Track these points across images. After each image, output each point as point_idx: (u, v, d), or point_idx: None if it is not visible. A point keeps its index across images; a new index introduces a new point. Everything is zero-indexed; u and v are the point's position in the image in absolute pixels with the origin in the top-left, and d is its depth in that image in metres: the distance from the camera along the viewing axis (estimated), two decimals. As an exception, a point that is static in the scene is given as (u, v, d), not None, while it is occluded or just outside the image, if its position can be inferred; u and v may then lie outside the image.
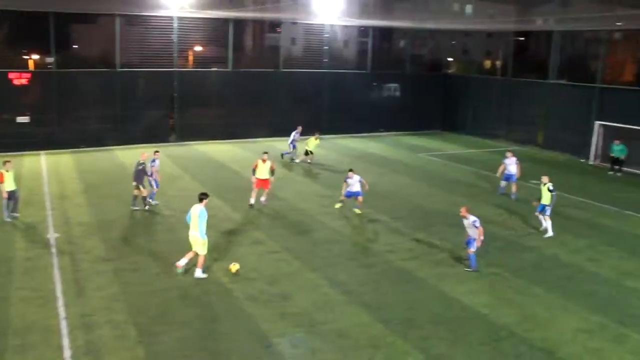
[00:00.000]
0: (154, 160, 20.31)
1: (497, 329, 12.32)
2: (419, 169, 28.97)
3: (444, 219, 20.07)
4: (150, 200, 20.17)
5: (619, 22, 34.82)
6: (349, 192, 20.06)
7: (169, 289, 13.59)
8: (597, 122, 32.33)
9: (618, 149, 29.24)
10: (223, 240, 17.07)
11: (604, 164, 31.59)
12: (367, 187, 20.17)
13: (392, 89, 41.52)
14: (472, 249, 15.32)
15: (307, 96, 36.82)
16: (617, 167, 29.42)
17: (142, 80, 33.12)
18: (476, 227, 15.29)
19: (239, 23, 36.55)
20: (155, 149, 21.68)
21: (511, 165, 23.25)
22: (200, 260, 14.27)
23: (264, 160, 20.63)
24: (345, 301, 13.33)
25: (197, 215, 14.03)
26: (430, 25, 43.13)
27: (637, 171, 29.48)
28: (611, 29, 36.06)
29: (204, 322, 12.11)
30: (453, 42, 50.62)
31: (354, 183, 19.85)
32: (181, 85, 32.94)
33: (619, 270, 16.06)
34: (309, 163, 29.04)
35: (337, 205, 20.61)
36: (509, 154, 23.66)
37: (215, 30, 34.57)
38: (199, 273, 14.26)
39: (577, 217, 20.62)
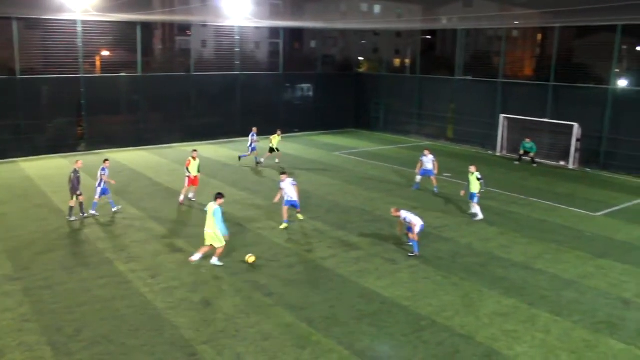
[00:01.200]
0: (103, 169, 19.84)
1: (419, 319, 12.75)
2: (335, 167, 29.39)
3: (362, 216, 20.52)
4: (92, 212, 19.83)
5: (516, 21, 36.76)
6: (287, 201, 18.90)
7: (86, 304, 13.14)
8: (502, 115, 33.98)
9: (529, 146, 31.34)
10: (141, 249, 16.69)
11: (510, 155, 33.30)
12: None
13: (305, 89, 41.86)
14: (413, 234, 16.40)
15: (220, 99, 36.51)
16: (527, 158, 31.32)
17: (47, 88, 31.54)
18: (407, 222, 16.38)
19: (147, 26, 35.74)
20: (105, 158, 20.95)
21: (428, 163, 24.07)
22: (218, 251, 15.53)
23: (194, 158, 21.53)
24: (268, 304, 13.37)
25: (212, 213, 15.20)
26: (340, 25, 43.85)
27: (540, 161, 31.31)
28: (509, 27, 37.93)
29: (124, 335, 11.80)
30: (363, 42, 51.69)
31: (287, 187, 18.84)
32: (89, 91, 31.70)
33: (528, 254, 17.02)
34: (277, 162, 29.44)
35: (283, 226, 18.98)
36: (426, 152, 24.42)
37: (123, 34, 33.56)
38: (215, 261, 15.51)
39: (487, 206, 21.58)
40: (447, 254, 16.75)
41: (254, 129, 29.55)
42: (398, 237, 18.21)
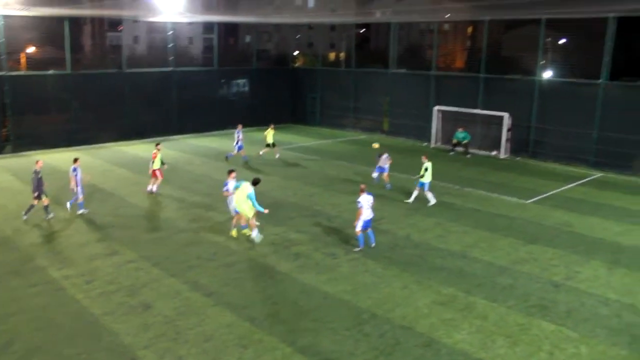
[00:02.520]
0: (75, 169, 19.52)
1: (360, 312, 12.91)
2: (273, 163, 29.29)
3: (302, 211, 20.57)
4: (82, 211, 19.85)
5: (447, 15, 37.57)
6: (235, 210, 17.83)
7: (17, 314, 12.64)
8: (436, 108, 34.72)
9: (462, 136, 32.12)
10: (76, 254, 16.18)
11: (445, 146, 34.10)
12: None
13: (241, 84, 41.52)
14: (357, 229, 16.52)
15: (155, 96, 35.69)
16: (460, 149, 32.06)
17: (-34, 87, 30.04)
18: (358, 207, 16.44)
19: (75, 22, 34.47)
20: (75, 157, 20.35)
21: (382, 161, 24.22)
22: (252, 224, 16.89)
23: (158, 150, 22.41)
24: (209, 304, 13.24)
25: (246, 195, 16.61)
26: (274, 19, 43.67)
27: (473, 151, 32.21)
28: (441, 21, 38.73)
29: (60, 345, 11.43)
30: (298, 36, 51.64)
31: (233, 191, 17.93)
32: (13, 90, 30.30)
33: (464, 243, 17.50)
34: (277, 158, 30.17)
35: (233, 233, 18.08)
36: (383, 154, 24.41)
37: (50, 30, 32.31)
38: (255, 234, 16.92)
39: (424, 197, 22.01)
40: (386, 246, 17.00)
41: (240, 126, 29.37)
42: (338, 230, 18.39)
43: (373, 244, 16.83)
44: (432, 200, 21.68)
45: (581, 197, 23.54)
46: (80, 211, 19.95)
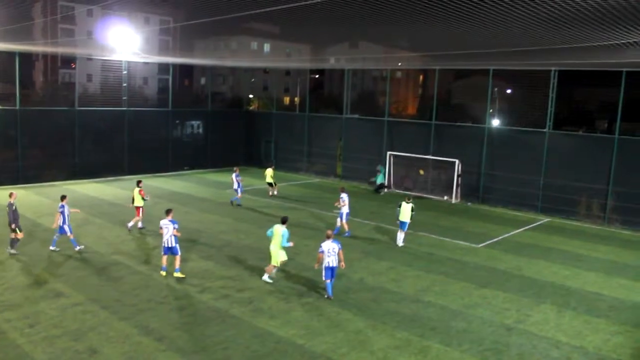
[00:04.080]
0: (62, 206, 19.54)
1: (314, 357, 12.70)
2: (226, 205, 29.03)
3: (254, 254, 20.33)
4: (77, 248, 19.85)
5: (399, 63, 38.60)
6: (165, 248, 17.66)
7: (-47, 360, 11.95)
8: (389, 153, 35.27)
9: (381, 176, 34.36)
10: (18, 296, 15.49)
11: (397, 191, 34.56)
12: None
13: (195, 126, 41.35)
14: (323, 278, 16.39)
15: (107, 135, 35.17)
16: (384, 190, 33.78)
17: None
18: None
19: (27, 57, 33.85)
20: (62, 194, 20.40)
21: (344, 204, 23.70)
22: (269, 268, 17.38)
23: (139, 187, 22.89)
24: (160, 348, 12.81)
25: (281, 234, 16.99)
26: (230, 62, 43.96)
27: (426, 195, 32.74)
28: (394, 69, 39.69)
29: (-1, 392, 10.82)
30: (253, 80, 52.11)
31: (166, 226, 17.66)
32: (-41, 126, 29.42)
33: (417, 287, 17.57)
34: (275, 195, 31.52)
35: (180, 275, 17.73)
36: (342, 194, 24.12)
37: (0, 65, 31.61)
38: (265, 277, 17.40)
39: (379, 241, 22.12)
40: (339, 290, 16.89)
41: (237, 169, 29.89)
42: (292, 274, 18.23)
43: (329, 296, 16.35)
44: (400, 243, 22.21)
45: (530, 241, 24.09)
46: (77, 248, 19.86)
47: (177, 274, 17.66)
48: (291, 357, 12.64)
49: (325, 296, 16.29)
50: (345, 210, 23.52)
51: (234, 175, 29.16)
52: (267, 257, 18.58)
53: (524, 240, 24.36)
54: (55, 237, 19.94)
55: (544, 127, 29.85)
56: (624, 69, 26.76)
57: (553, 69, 29.21)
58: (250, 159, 43.48)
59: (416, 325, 14.70)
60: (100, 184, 33.17)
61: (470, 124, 34.32)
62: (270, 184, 31.92)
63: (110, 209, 26.83)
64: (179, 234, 17.78)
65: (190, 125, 41.24)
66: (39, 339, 13.01)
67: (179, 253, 17.85)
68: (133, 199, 23.06)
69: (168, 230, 17.52)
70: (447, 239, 23.60)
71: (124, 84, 36.13)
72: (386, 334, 14.09)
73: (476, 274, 19.26)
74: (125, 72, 36.05)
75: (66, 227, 19.63)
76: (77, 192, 30.42)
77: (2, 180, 30.72)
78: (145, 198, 23.06)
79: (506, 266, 20.30)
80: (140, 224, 23.16)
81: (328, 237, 16.38)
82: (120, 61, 35.83)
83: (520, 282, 18.53)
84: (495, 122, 34.55)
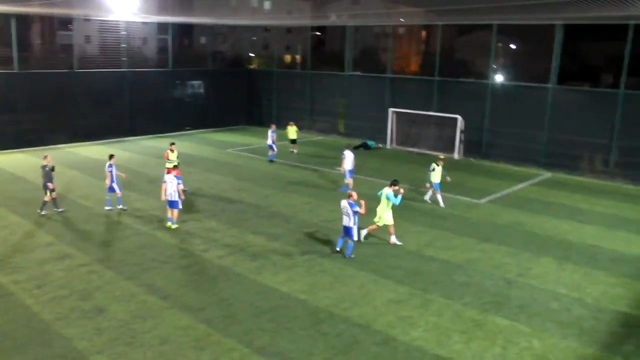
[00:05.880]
0: (110, 165, 20.05)
1: (317, 312, 12.91)
2: (229, 164, 29.11)
3: (257, 212, 20.49)
4: (120, 206, 20.38)
5: (401, 19, 38.02)
6: (169, 201, 18.40)
7: (-37, 320, 12.19)
8: (391, 109, 35.08)
9: (372, 143, 34.65)
10: (26, 258, 15.70)
11: (400, 147, 34.55)
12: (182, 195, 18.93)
13: (196, 86, 41.10)
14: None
15: (107, 97, 34.93)
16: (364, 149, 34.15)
17: None
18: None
19: (23, 19, 33.43)
20: (110, 154, 20.93)
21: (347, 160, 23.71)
22: (392, 230, 17.45)
23: (172, 150, 23.10)
24: (165, 306, 13.03)
25: (385, 196, 17.12)
26: (230, 21, 43.37)
27: (428, 152, 32.70)
28: (396, 25, 39.12)
29: (8, 353, 11.03)
30: (254, 38, 51.49)
31: (171, 181, 18.28)
32: (-44, 89, 29.23)
33: (420, 243, 17.73)
34: (295, 152, 31.80)
35: (173, 226, 18.54)
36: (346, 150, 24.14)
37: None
38: (394, 239, 17.49)
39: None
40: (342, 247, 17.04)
41: (273, 126, 30.42)
42: (294, 231, 18.38)
43: (347, 255, 16.39)
44: (442, 204, 22.01)
45: (532, 196, 24.15)
46: (120, 206, 20.38)
47: (170, 224, 18.45)
48: (294, 312, 12.85)
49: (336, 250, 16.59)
50: (347, 166, 23.52)
51: (269, 131, 29.79)
52: (250, 216, 18.90)
53: (526, 195, 24.42)
54: (107, 197, 20.43)
55: (548, 83, 29.55)
56: (631, 22, 26.33)
57: (558, 22, 28.73)
58: (252, 118, 43.35)
59: (418, 279, 14.88)
60: (102, 145, 33.17)
61: (473, 80, 33.98)
62: (293, 141, 32.23)
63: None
64: (181, 189, 18.58)
65: (191, 85, 40.98)
66: (47, 300, 13.24)
67: (180, 207, 18.50)
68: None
69: (172, 184, 18.14)
70: (449, 195, 23.62)
71: (123, 45, 35.79)
72: (388, 288, 14.28)
73: (478, 229, 19.39)
74: (123, 32, 35.66)
75: (115, 186, 20.10)
76: (78, 154, 30.51)
77: (4, 144, 30.75)
78: (170, 159, 22.92)
79: (508, 221, 20.41)
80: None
81: (349, 197, 16.34)
82: (118, 22, 35.38)
83: (522, 237, 18.66)
84: (499, 78, 34.20)
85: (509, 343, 11.72)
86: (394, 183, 17.54)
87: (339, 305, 13.24)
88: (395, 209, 21.41)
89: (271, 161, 29.73)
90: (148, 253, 16.33)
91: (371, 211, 17.48)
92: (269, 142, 29.59)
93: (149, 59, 41.81)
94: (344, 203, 16.21)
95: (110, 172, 19.98)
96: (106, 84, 34.94)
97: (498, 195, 24.23)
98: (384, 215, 17.33)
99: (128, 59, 36.04)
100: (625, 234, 19.26)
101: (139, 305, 13.05)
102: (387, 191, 17.22)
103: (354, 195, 16.38)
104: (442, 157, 22.92)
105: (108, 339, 11.52)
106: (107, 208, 20.35)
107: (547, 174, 28.76)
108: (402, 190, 17.53)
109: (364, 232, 17.57)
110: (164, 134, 37.20)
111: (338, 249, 16.63)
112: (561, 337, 12.02)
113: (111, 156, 20.51)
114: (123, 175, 21.10)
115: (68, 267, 15.17)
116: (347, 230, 16.24)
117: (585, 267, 16.07)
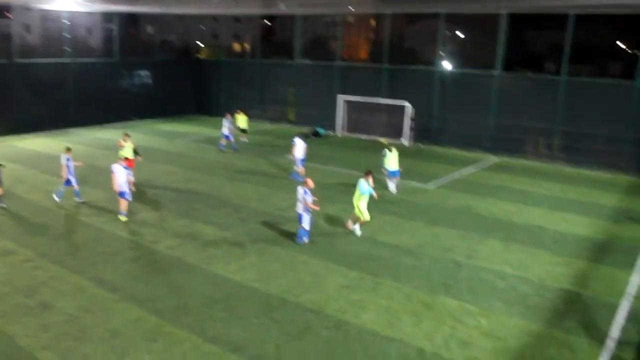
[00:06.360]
0: (68, 159, 19.61)
1: (269, 299, 12.92)
2: (178, 154, 28.72)
3: (208, 202, 20.31)
4: (78, 199, 19.98)
5: (351, 7, 38.12)
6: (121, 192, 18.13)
7: None
8: (340, 97, 35.21)
9: (322, 130, 34.81)
10: (-36, 256, 15.15)
11: (350, 135, 34.76)
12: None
13: (143, 76, 40.27)
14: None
15: (50, 88, 33.84)
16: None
17: None
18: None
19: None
20: (67, 146, 20.27)
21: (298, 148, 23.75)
22: (360, 221, 17.18)
23: (125, 140, 22.15)
24: (115, 299, 12.81)
25: (358, 188, 16.92)
26: (177, 10, 42.57)
27: (377, 139, 32.99)
28: (345, 13, 39.17)
29: (-50, 349, 10.69)
30: (202, 27, 50.73)
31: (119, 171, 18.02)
32: None
33: (370, 228, 17.86)
34: (245, 141, 31.40)
35: (122, 218, 18.27)
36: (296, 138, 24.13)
37: None
38: (353, 227, 17.33)
39: (331, 184, 22.30)
40: (293, 234, 17.05)
41: (228, 115, 30.20)
42: (245, 220, 18.30)
43: (298, 241, 16.47)
44: (394, 190, 22.16)
45: (480, 180, 24.72)
46: (77, 199, 19.99)
47: (121, 217, 18.12)
48: (246, 301, 12.83)
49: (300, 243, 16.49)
50: (298, 154, 23.49)
51: (225, 120, 29.67)
52: (200, 206, 18.79)
53: (474, 179, 24.98)
54: (61, 189, 19.87)
55: (494, 70, 30.19)
56: (572, 12, 27.18)
57: (503, 12, 29.36)
58: (201, 107, 42.87)
59: (369, 264, 15.05)
60: (46, 138, 32.18)
61: (421, 68, 34.43)
62: (243, 130, 32.05)
63: (57, 163, 26.06)
64: (131, 180, 18.54)
65: (139, 75, 40.14)
66: (-11, 296, 12.82)
67: (129, 199, 18.23)
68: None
69: (121, 175, 17.87)
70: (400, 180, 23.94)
71: (66, 35, 34.73)
72: (340, 274, 14.40)
73: (427, 213, 19.74)
74: (66, 22, 34.59)
75: (72, 178, 19.72)
76: (18, 147, 29.43)
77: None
78: (137, 153, 22.53)
79: (456, 204, 20.84)
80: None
81: (304, 184, 16.31)
82: (61, 11, 34.29)
83: (470, 219, 19.09)
84: (447, 66, 34.72)
85: (457, 323, 12.01)
86: (366, 173, 17.31)
87: (291, 292, 13.28)
88: (344, 196, 21.57)
89: (222, 151, 29.56)
90: (96, 246, 15.99)
91: (329, 199, 17.54)
92: (225, 132, 29.48)
93: (94, 49, 40.74)
94: (300, 190, 16.20)
95: (68, 165, 19.57)
96: (48, 75, 33.83)
97: (447, 179, 24.69)
98: (359, 205, 17.05)
99: (72, 49, 35.00)
100: (567, 215, 19.95)
101: (88, 299, 12.78)
102: (361, 182, 17.07)
103: (309, 182, 16.38)
104: (384, 141, 23.11)
105: (55, 335, 11.25)
106: (57, 200, 19.83)
107: (493, 158, 29.48)
108: (370, 181, 17.28)
109: (356, 227, 17.38)
110: (110, 125, 36.39)
111: (305, 240, 16.53)
112: (507, 315, 12.38)
113: (68, 149, 19.99)
114: (79, 163, 20.72)
115: (11, 263, 14.69)
116: (300, 217, 16.25)
117: (530, 248, 16.57)
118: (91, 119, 35.71)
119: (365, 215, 17.06)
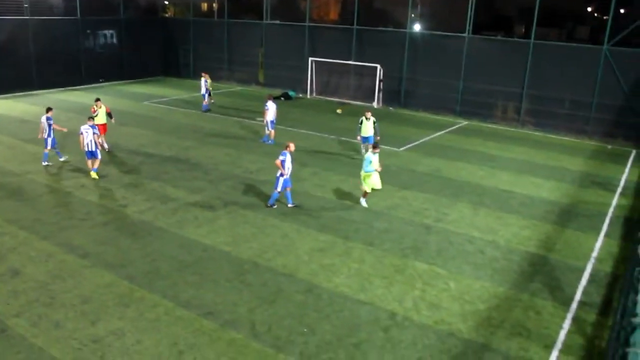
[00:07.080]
0: (49, 118, 19.48)
1: (241, 263, 12.97)
2: (145, 117, 28.24)
3: (177, 165, 20.12)
4: (44, 163, 19.74)
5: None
6: (87, 152, 18.30)
7: None
8: (310, 59, 34.87)
9: (292, 93, 34.71)
10: None
11: (320, 97, 34.57)
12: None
13: (108, 35, 39.12)
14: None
15: (9, 47, 32.60)
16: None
17: None
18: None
19: None
20: (48, 107, 20.27)
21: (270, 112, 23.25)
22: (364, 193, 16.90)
23: (98, 106, 21.43)
24: (85, 265, 12.70)
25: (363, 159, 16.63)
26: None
27: (348, 101, 32.89)
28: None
29: None
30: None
31: (86, 131, 18.14)
32: None
33: (341, 191, 17.98)
34: (212, 102, 30.96)
35: (95, 175, 18.47)
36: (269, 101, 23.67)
37: None
38: (362, 202, 16.90)
39: (299, 147, 22.25)
40: (264, 197, 17.06)
41: (205, 74, 29.92)
42: (215, 183, 18.20)
43: (269, 203, 16.46)
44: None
45: (449, 144, 24.94)
46: (44, 163, 19.76)
47: (93, 174, 18.40)
48: (218, 265, 12.86)
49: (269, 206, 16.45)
50: (269, 117, 23.25)
51: (202, 81, 29.56)
52: (170, 169, 18.65)
53: (443, 142, 25.18)
54: (46, 150, 19.71)
55: (464, 32, 30.16)
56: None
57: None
58: (168, 68, 42.05)
59: (340, 228, 15.17)
60: (8, 100, 31.27)
61: (391, 29, 34.18)
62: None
63: (22, 126, 25.47)
64: (99, 140, 18.59)
65: (103, 35, 38.94)
66: (-45, 263, 12.59)
67: (100, 157, 18.50)
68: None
69: (88, 134, 18.01)
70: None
71: (24, -10, 33.41)
72: (311, 237, 14.50)
73: (397, 176, 19.89)
74: (24, -24, 33.23)
75: (49, 140, 19.52)
76: (-17, 109, 28.66)
77: None
78: (94, 115, 21.29)
79: (426, 168, 21.03)
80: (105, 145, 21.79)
81: (286, 147, 16.10)
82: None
83: (439, 183, 19.32)
84: (417, 27, 34.51)
85: (427, 286, 12.25)
86: (373, 146, 16.82)
87: (263, 256, 13.35)
88: (313, 159, 21.61)
89: (207, 111, 29.76)
90: (64, 211, 15.76)
91: (300, 162, 17.46)
92: (203, 91, 29.62)
93: (54, 6, 39.09)
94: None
95: (50, 124, 19.41)
96: (6, 33, 32.51)
97: (417, 143, 24.85)
98: (369, 179, 16.54)
99: (30, 6, 33.68)
100: (534, 179, 20.33)
101: (58, 265, 12.65)
102: (368, 154, 16.59)
103: (291, 146, 16.24)
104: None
105: (26, 301, 11.15)
106: (44, 164, 19.78)
107: (463, 122, 29.71)
108: (369, 152, 16.79)
109: (362, 200, 17.03)
110: (76, 87, 35.49)
111: (290, 205, 16.47)
112: (475, 278, 12.68)
113: (49, 109, 19.88)
114: (64, 129, 20.93)
115: (-23, 229, 14.43)
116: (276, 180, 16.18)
117: (498, 211, 16.89)
118: (55, 80, 34.73)
119: (365, 186, 16.75)
